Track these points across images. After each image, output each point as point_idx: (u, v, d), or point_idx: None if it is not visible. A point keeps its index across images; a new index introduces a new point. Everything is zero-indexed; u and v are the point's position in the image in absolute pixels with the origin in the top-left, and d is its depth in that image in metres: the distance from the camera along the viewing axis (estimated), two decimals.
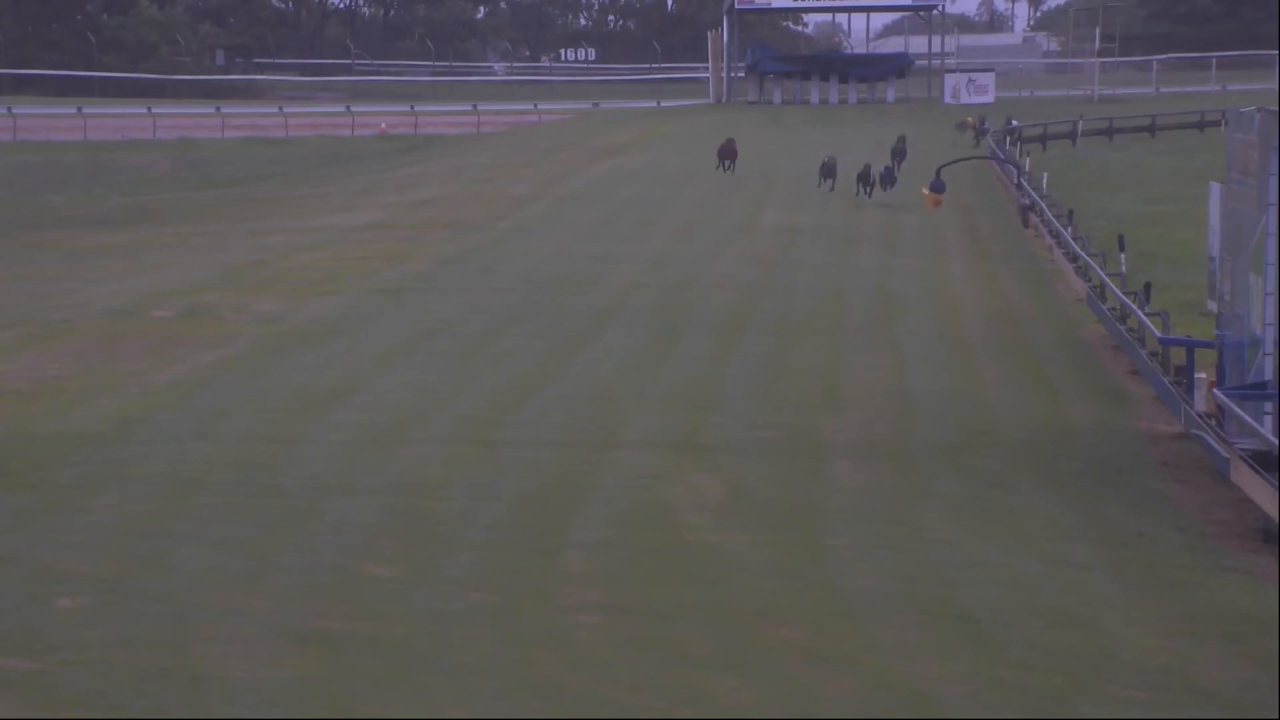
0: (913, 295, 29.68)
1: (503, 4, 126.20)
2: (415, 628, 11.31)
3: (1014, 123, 60.52)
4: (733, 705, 10.12)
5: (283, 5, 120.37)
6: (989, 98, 78.19)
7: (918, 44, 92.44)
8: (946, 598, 13.08)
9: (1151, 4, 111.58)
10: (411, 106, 79.83)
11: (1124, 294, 26.08)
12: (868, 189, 43.10)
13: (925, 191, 39.24)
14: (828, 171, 44.76)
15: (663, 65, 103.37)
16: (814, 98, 79.59)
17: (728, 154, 48.94)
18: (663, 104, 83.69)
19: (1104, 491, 17.33)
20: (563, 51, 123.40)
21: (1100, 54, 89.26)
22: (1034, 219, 39.82)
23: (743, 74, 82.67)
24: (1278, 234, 17.31)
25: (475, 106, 79.47)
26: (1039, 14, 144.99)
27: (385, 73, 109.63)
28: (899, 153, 49.02)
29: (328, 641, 10.82)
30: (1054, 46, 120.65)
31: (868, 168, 43.75)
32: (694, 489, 16.23)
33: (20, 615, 11.25)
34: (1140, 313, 24.32)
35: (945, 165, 39.34)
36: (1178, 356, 21.77)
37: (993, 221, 41.51)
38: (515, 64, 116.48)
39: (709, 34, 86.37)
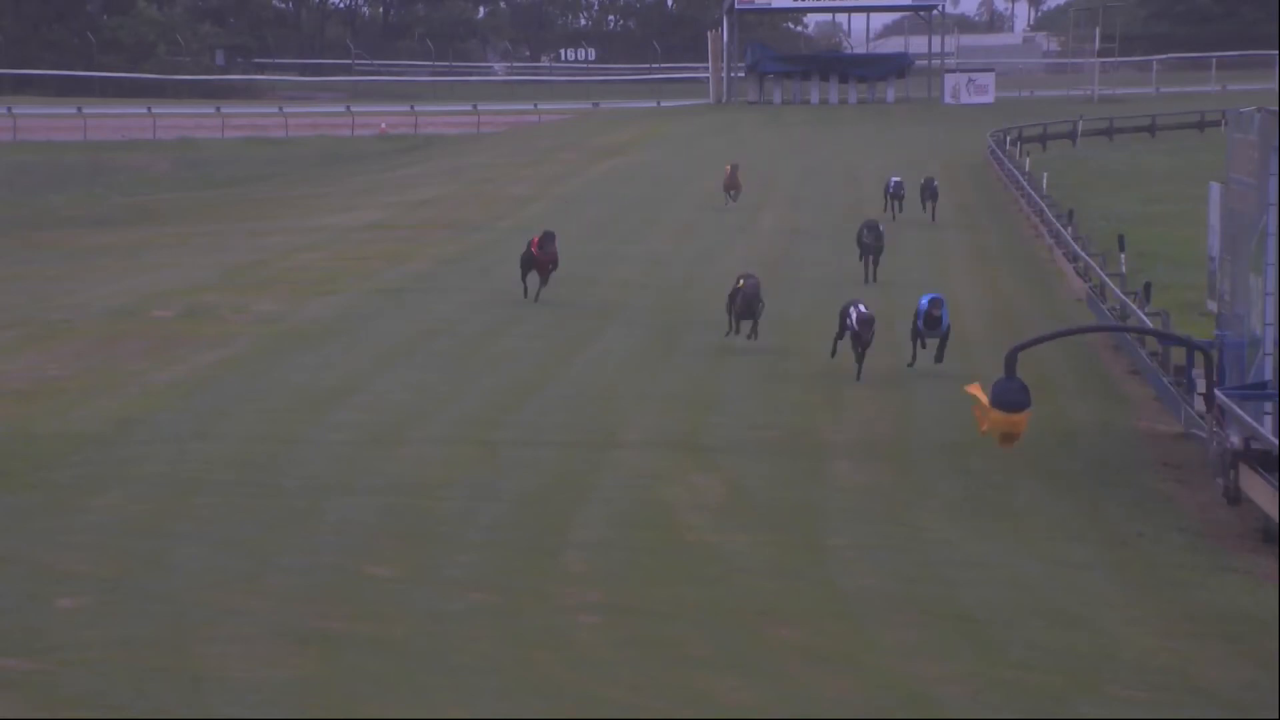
0: (913, 295, 29.62)
1: (503, 4, 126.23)
2: (415, 628, 11.31)
3: (934, 183, 40.82)
4: (733, 705, 10.11)
5: (283, 5, 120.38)
6: (989, 98, 78.21)
7: (918, 44, 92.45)
8: (946, 598, 13.08)
9: (1151, 4, 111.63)
10: (411, 106, 79.84)
11: (1124, 294, 26.06)
12: (735, 323, 24.45)
13: (983, 411, 15.71)
14: (745, 308, 24.36)
15: (663, 65, 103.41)
16: (814, 98, 79.59)
17: (541, 264, 28.09)
18: (663, 104, 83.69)
19: (1104, 491, 17.32)
20: (563, 51, 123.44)
21: (1100, 54, 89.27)
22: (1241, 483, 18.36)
23: (743, 74, 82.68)
24: (1278, 234, 17.31)
25: (475, 106, 79.47)
26: (1039, 14, 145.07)
27: (385, 73, 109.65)
28: (870, 245, 31.05)
29: (328, 641, 10.82)
30: (1054, 46, 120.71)
31: (742, 292, 24.33)
32: (694, 489, 16.23)
33: (20, 615, 11.24)
34: (1140, 313, 24.31)
35: (1025, 345, 17.10)
36: (1178, 356, 21.77)
37: (992, 221, 41.49)
38: (515, 64, 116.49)
39: (709, 34, 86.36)
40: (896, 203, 40.02)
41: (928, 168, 51.76)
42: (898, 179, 40.71)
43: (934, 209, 40.26)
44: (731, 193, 42.24)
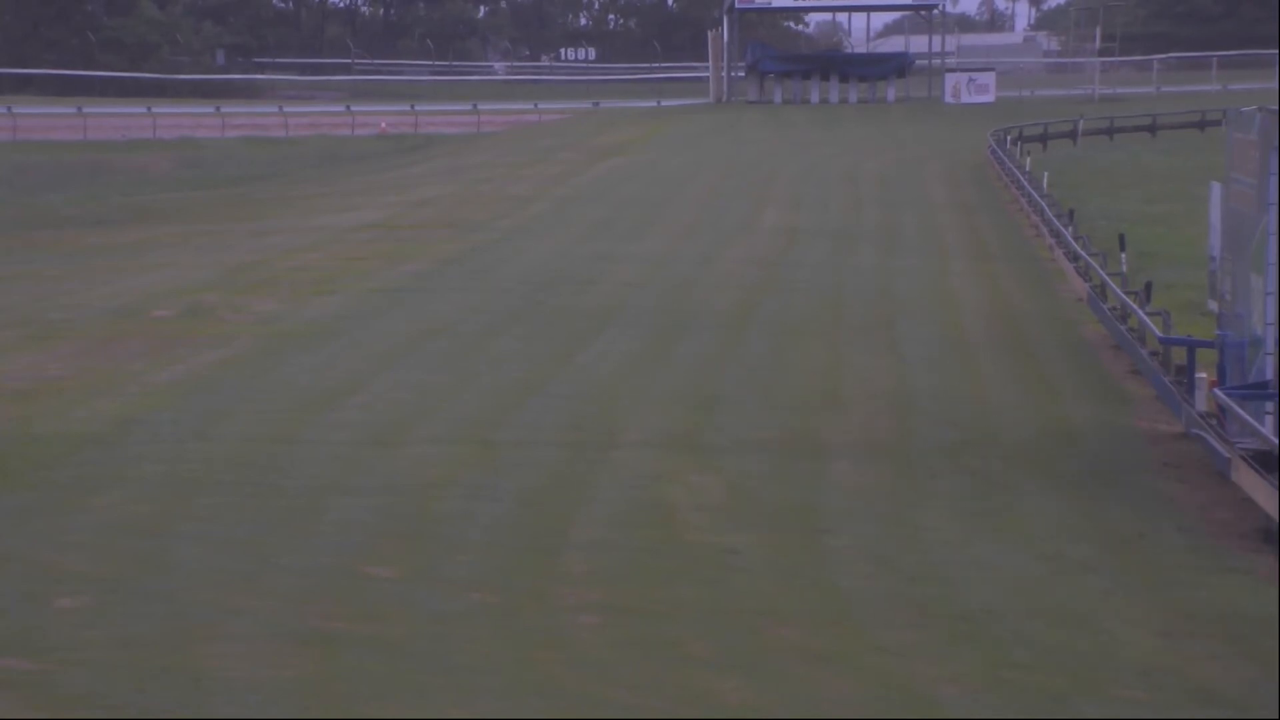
0: (913, 295, 29.64)
1: (503, 3, 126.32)
2: (415, 628, 11.31)
3: None
4: (733, 705, 10.11)
5: (283, 4, 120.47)
6: (989, 97, 78.24)
7: (918, 43, 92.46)
8: (946, 598, 13.08)
9: (1152, 3, 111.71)
10: (411, 106, 79.82)
11: (1125, 293, 26.05)
12: None
13: None
14: None
15: (663, 65, 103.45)
16: (814, 97, 79.61)
17: None
18: (663, 103, 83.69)
19: (1104, 491, 17.31)
20: (563, 51, 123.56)
21: (1101, 53, 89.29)
22: None
23: (743, 73, 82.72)
24: (1278, 233, 17.30)
25: (475, 106, 79.45)
26: (1039, 13, 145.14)
27: (385, 72, 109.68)
28: None
29: (328, 641, 10.82)
30: (1054, 46, 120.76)
31: None
32: (694, 489, 16.22)
33: (20, 615, 11.24)
34: (1141, 312, 24.30)
35: None
36: (1178, 356, 21.75)
37: (992, 221, 41.47)
38: (515, 63, 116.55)
39: (709, 33, 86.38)
40: None
41: (929, 167, 51.77)
42: None
43: None
44: None
